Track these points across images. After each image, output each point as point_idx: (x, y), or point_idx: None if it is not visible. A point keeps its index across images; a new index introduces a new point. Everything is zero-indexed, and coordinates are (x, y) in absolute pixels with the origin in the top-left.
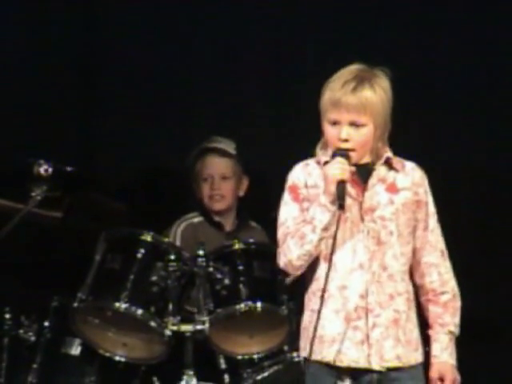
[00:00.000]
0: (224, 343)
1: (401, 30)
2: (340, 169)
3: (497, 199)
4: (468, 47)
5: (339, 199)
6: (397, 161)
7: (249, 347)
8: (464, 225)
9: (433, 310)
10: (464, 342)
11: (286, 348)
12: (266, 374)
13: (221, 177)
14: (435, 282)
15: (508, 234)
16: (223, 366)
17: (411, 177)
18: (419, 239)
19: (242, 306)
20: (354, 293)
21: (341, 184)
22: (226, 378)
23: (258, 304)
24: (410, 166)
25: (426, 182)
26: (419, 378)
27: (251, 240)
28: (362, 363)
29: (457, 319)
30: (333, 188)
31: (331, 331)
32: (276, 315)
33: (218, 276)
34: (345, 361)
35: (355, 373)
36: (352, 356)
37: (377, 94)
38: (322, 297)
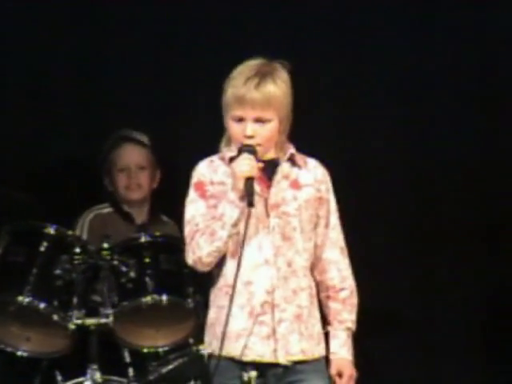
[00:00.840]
0: (129, 336)
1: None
2: (248, 165)
3: (407, 195)
4: None
5: (248, 196)
6: (300, 157)
7: (154, 340)
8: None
9: (332, 307)
10: (366, 335)
11: (191, 341)
12: (171, 366)
13: (138, 166)
14: (335, 279)
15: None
16: (128, 359)
17: (314, 174)
18: (320, 236)
19: (148, 298)
20: (260, 288)
21: (249, 180)
22: (131, 371)
23: (164, 297)
24: (312, 163)
25: (328, 180)
26: (322, 370)
27: (157, 233)
28: (268, 357)
29: (354, 316)
30: (241, 184)
31: (237, 327)
32: (182, 308)
33: (123, 269)
34: (250, 355)
35: (261, 366)
36: (258, 351)
37: (280, 88)
38: (232, 294)
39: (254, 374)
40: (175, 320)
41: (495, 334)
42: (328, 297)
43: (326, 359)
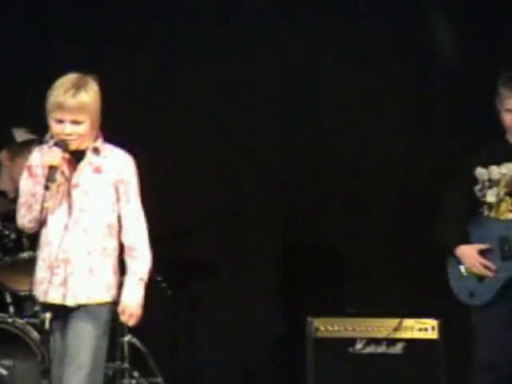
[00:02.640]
0: (10, 283)
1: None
2: (52, 156)
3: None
4: None
5: (47, 181)
6: (105, 148)
7: (29, 285)
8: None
9: (128, 261)
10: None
11: None
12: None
13: None
14: (131, 241)
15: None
16: (9, 299)
17: (116, 161)
18: (122, 209)
19: (25, 254)
20: (56, 247)
21: (52, 169)
22: (11, 308)
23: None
24: (118, 153)
25: (130, 166)
26: (105, 311)
27: None
28: (59, 301)
29: (145, 268)
30: (45, 171)
31: (39, 275)
32: None
33: (6, 232)
34: (49, 299)
35: (55, 308)
36: (52, 295)
37: (91, 96)
38: (38, 251)
39: (48, 315)
40: None
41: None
42: (126, 254)
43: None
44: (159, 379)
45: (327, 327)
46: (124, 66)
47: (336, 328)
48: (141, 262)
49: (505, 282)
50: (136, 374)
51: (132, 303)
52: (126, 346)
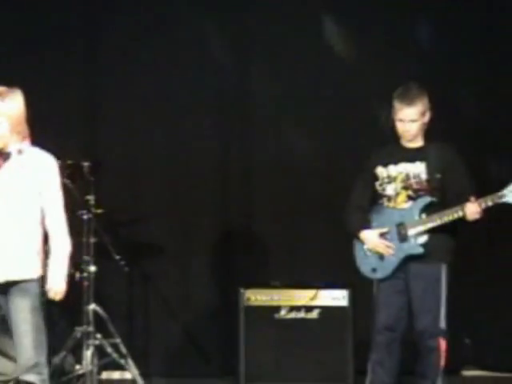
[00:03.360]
0: None
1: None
2: None
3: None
4: None
5: None
6: (29, 150)
7: None
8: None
9: (51, 246)
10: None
11: None
12: None
13: None
14: (52, 229)
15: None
16: None
17: (37, 162)
18: (45, 202)
19: None
20: None
21: None
22: None
23: None
24: (41, 155)
25: (51, 165)
26: (34, 286)
27: None
28: None
29: (66, 252)
30: None
31: None
32: None
33: None
34: None
35: None
36: None
37: (7, 105)
38: None
39: None
40: None
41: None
42: (52, 242)
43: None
44: (118, 340)
45: (256, 297)
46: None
47: (264, 298)
48: (61, 245)
49: (401, 260)
50: (99, 335)
51: (56, 282)
52: (90, 313)
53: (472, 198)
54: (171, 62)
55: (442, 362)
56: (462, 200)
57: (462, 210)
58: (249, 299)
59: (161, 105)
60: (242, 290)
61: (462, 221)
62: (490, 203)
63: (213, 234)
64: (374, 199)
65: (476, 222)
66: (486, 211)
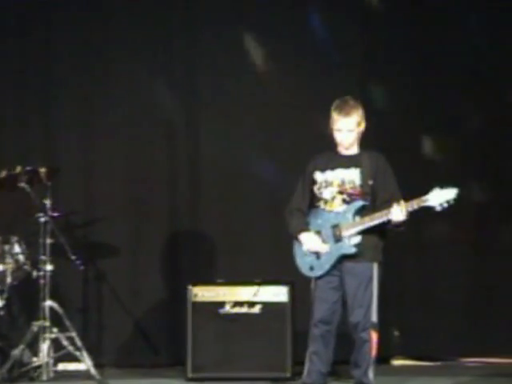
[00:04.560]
0: None
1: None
2: None
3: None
4: None
5: None
6: None
7: None
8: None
9: None
10: None
11: None
12: None
13: None
14: None
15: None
16: None
17: None
18: None
19: None
20: None
21: None
22: None
23: None
24: None
25: None
26: None
27: None
28: None
29: None
30: None
31: None
32: None
33: None
34: None
35: None
36: None
37: None
38: None
39: None
40: None
41: None
42: None
43: None
44: (73, 333)
45: (203, 293)
46: None
47: (210, 294)
48: None
49: (336, 259)
50: (55, 329)
51: None
52: (47, 309)
53: (401, 202)
54: (120, 70)
55: (374, 353)
56: (390, 204)
57: (390, 212)
58: (196, 295)
59: (115, 116)
60: (189, 287)
61: (389, 222)
62: (415, 206)
63: (162, 235)
64: (312, 201)
65: (404, 223)
66: (413, 214)
